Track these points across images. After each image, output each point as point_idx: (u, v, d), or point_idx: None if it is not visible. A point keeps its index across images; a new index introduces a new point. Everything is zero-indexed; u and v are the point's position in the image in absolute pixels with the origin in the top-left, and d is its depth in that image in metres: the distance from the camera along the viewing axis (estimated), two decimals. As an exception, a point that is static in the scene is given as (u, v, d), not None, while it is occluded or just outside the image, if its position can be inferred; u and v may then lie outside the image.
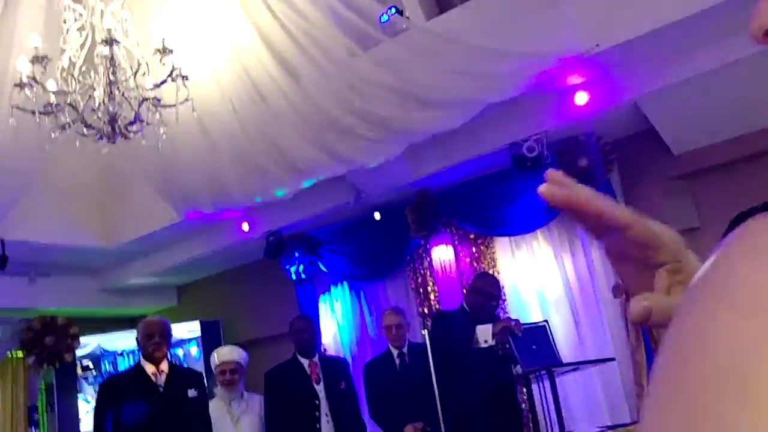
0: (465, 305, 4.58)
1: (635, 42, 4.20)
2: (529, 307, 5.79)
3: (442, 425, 4.05)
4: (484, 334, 4.13)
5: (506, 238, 6.04)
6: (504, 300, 5.81)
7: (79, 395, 7.43)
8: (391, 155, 5.16)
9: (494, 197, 5.89)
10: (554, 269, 5.79)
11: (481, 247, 6.16)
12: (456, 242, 6.27)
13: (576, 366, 4.42)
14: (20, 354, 7.13)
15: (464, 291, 5.26)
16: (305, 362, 4.61)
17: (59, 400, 7.35)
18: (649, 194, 5.48)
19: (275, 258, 6.87)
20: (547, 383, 4.00)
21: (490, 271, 5.90)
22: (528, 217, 5.70)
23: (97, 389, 7.00)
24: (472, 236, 6.19)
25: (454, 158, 5.69)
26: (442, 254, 6.31)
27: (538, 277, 5.85)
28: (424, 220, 6.10)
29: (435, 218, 6.13)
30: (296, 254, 6.83)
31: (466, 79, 4.37)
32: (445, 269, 6.26)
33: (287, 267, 6.88)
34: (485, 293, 4.47)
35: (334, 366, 4.80)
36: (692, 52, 4.38)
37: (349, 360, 6.29)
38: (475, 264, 6.13)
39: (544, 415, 4.00)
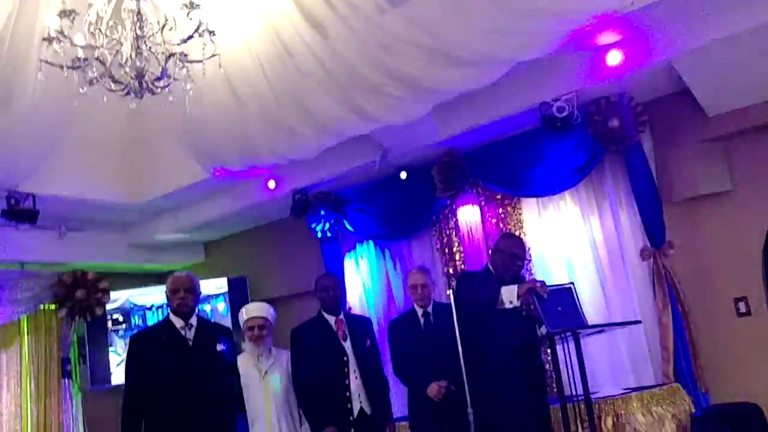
0: (490, 266, 4.56)
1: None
2: (555, 268, 5.76)
3: (466, 385, 4.07)
4: (510, 295, 4.12)
5: (533, 199, 5.99)
6: (529, 261, 5.79)
7: (110, 348, 7.59)
8: (419, 114, 5.11)
9: (522, 158, 5.82)
10: (581, 231, 5.74)
11: (508, 208, 6.12)
12: (482, 203, 6.23)
13: (601, 328, 4.40)
14: (52, 307, 7.28)
15: (489, 252, 5.23)
16: (331, 319, 4.64)
17: (91, 353, 7.52)
18: (681, 157, 5.38)
19: (301, 216, 6.89)
20: (571, 345, 3.99)
21: (516, 233, 5.87)
22: (556, 178, 5.64)
23: (127, 342, 7.19)
24: (498, 197, 6.15)
25: (482, 117, 5.63)
26: (468, 215, 6.27)
27: (565, 239, 5.81)
28: (451, 180, 6.07)
29: (462, 178, 6.09)
30: (322, 212, 6.84)
31: (496, 36, 4.28)
32: (471, 230, 6.24)
33: (313, 225, 6.90)
34: (510, 254, 4.44)
35: (359, 323, 4.83)
36: (729, 12, 4.25)
37: (374, 318, 6.33)
38: (501, 225, 6.10)
39: (568, 376, 3.99)
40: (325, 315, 4.69)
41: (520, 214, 6.07)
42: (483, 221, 6.20)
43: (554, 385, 4.39)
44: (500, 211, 6.14)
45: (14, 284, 6.93)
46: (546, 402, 4.37)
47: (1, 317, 6.83)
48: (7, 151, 5.30)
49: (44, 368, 7.19)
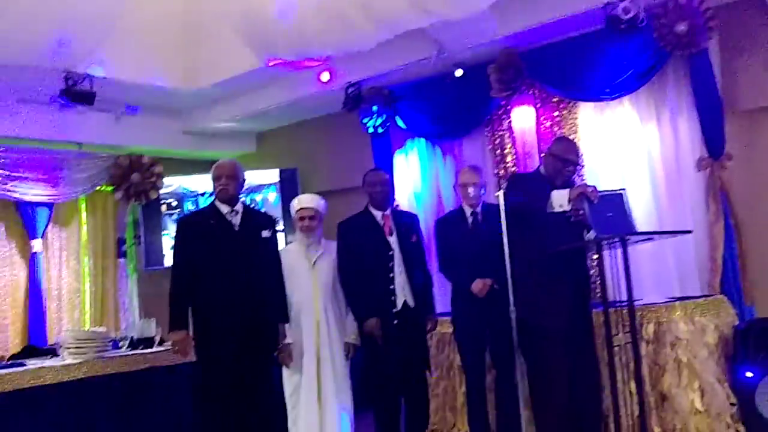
0: (541, 169, 4.50)
1: None
2: (608, 176, 5.67)
3: (510, 285, 4.11)
4: (560, 199, 4.07)
5: (590, 104, 5.84)
6: (582, 167, 5.70)
7: (164, 232, 7.83)
8: (478, 9, 4.94)
9: (583, 60, 5.64)
10: (638, 138, 5.60)
11: (564, 111, 5.98)
12: (538, 104, 6.11)
13: (651, 236, 4.36)
14: (109, 189, 7.50)
15: (542, 155, 5.15)
16: (378, 214, 4.67)
17: (146, 235, 7.78)
18: (748, 66, 5.16)
19: (353, 110, 6.85)
20: (619, 251, 3.97)
21: (571, 137, 5.75)
22: (616, 82, 5.47)
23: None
24: (555, 99, 6.01)
25: (544, 16, 5.43)
26: (523, 116, 6.17)
27: (620, 146, 5.68)
28: (507, 79, 5.93)
29: (518, 78, 5.95)
30: (374, 108, 6.79)
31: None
32: (525, 132, 6.14)
33: (365, 120, 6.87)
34: (564, 159, 4.35)
35: (405, 219, 4.86)
36: None
37: (421, 216, 6.36)
38: (556, 128, 5.99)
39: (613, 282, 4.00)
40: (372, 210, 4.72)
41: (575, 117, 5.94)
42: (537, 123, 6.09)
43: (598, 291, 4.40)
44: (556, 114, 6.01)
45: (72, 164, 7.13)
46: (589, 306, 4.39)
47: (60, 196, 7.07)
48: (64, 30, 5.32)
49: (101, 247, 7.50)
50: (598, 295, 4.27)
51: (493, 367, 4.70)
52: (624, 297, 3.96)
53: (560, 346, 4.09)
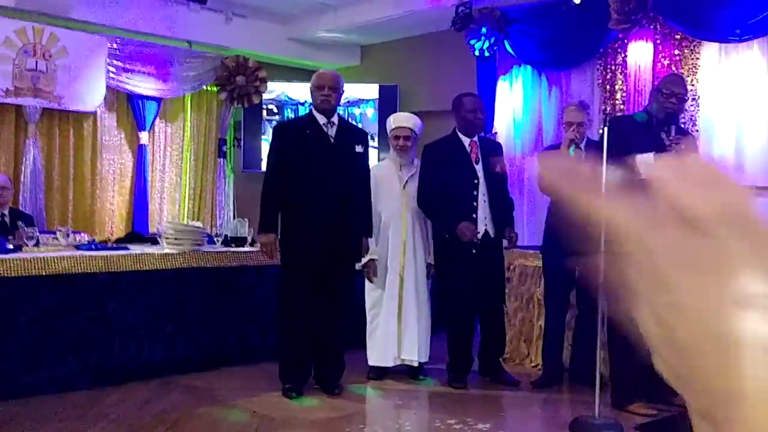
0: (647, 110, 4.27)
1: None
2: (723, 126, 5.37)
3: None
4: (645, 165, 3.87)
5: (715, 44, 5.49)
6: (687, 100, 5.39)
7: (263, 136, 7.98)
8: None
9: (713, -4, 5.28)
10: (763, 88, 5.25)
11: (685, 50, 5.65)
12: (658, 40, 5.78)
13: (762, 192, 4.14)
14: (214, 89, 7.66)
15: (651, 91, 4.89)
16: (466, 141, 4.60)
17: (245, 137, 7.96)
18: None
19: (461, 31, 6.68)
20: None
21: (689, 79, 5.45)
22: (748, 23, 5.10)
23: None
24: (677, 36, 5.67)
25: (677, -55, 5.09)
26: (640, 51, 5.86)
27: (743, 93, 5.35)
28: (629, 11, 5.61)
29: (641, 11, 5.61)
30: (483, 30, 6.60)
31: None
32: (639, 68, 5.85)
33: (472, 42, 6.69)
34: (666, 91, 4.07)
35: (491, 147, 4.76)
36: None
37: (519, 145, 6.24)
38: (674, 67, 5.67)
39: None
40: (461, 135, 4.63)
41: (697, 58, 5.60)
42: (654, 61, 5.78)
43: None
44: (676, 52, 5.69)
45: (181, 62, 7.29)
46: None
47: (169, 92, 7.28)
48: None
49: (203, 146, 7.72)
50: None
51: (575, 306, 4.66)
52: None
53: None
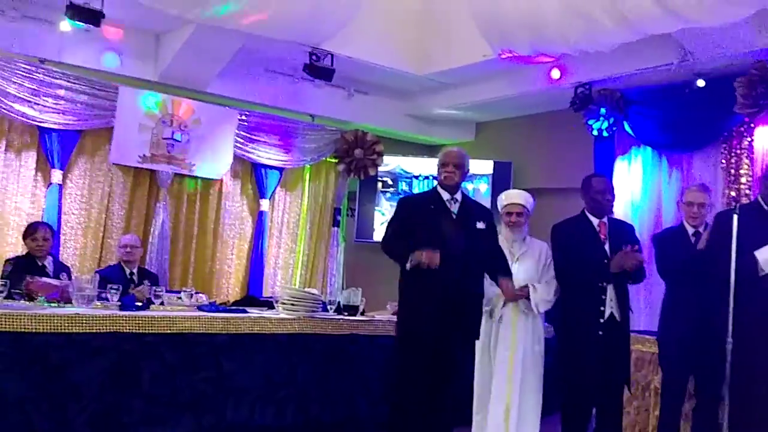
0: (758, 199, 4.08)
1: None
2: None
3: (731, 314, 3.83)
4: (767, 261, 3.68)
5: None
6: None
7: (376, 207, 8.17)
8: (736, 17, 4.60)
9: None
10: None
11: (817, 136, 5.44)
12: (788, 126, 5.60)
13: None
14: (333, 160, 7.94)
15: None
16: (595, 221, 4.54)
17: (359, 208, 8.18)
18: None
19: (579, 111, 6.70)
20: None
21: (822, 165, 5.23)
22: None
23: (392, 204, 7.64)
24: (808, 121, 5.48)
25: (810, 30, 4.97)
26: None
27: None
28: (756, 95, 5.48)
29: (770, 95, 5.48)
30: (602, 110, 6.59)
31: None
32: (767, 153, 5.66)
33: (590, 122, 6.69)
34: None
35: (622, 228, 4.67)
36: None
37: (637, 227, 6.08)
38: (805, 154, 5.47)
39: None
40: (589, 216, 4.58)
41: (831, 145, 5.38)
42: (784, 146, 5.59)
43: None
44: (807, 138, 5.48)
45: (304, 134, 7.64)
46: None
47: (290, 162, 7.61)
48: (317, 9, 5.70)
49: (318, 215, 7.98)
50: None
51: (693, 396, 4.44)
52: None
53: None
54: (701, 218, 4.46)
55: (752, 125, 5.80)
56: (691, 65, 5.75)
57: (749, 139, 5.84)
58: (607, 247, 4.47)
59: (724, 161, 6.03)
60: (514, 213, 4.69)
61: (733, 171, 5.93)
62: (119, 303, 4.38)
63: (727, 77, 5.71)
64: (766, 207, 3.89)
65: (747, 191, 5.77)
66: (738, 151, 5.93)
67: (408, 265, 4.04)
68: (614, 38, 5.14)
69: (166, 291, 5.18)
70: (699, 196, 4.47)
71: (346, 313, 5.19)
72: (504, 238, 4.71)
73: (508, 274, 4.39)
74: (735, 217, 3.80)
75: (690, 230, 4.48)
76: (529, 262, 4.69)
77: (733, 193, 5.85)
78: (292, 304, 4.88)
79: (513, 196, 4.79)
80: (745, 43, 5.30)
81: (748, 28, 5.10)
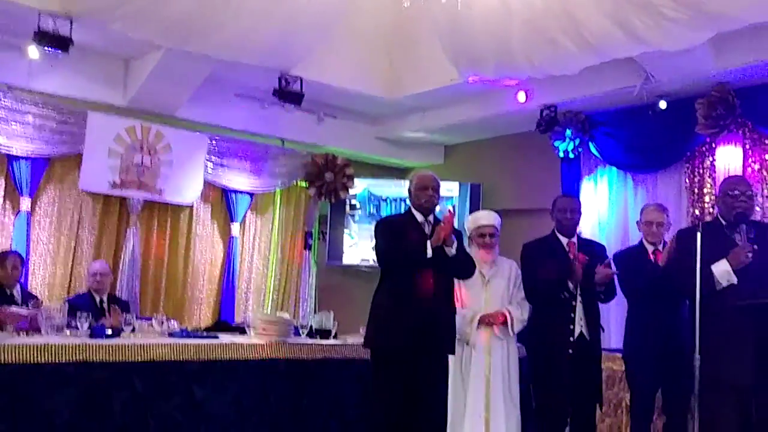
0: (717, 217, 4.20)
1: None
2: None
3: (698, 331, 3.90)
4: (723, 274, 3.80)
5: (808, 150, 5.43)
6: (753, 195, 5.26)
7: (346, 230, 8.20)
8: (696, 42, 4.75)
9: (804, 102, 5.26)
10: None
11: (776, 155, 5.61)
12: (747, 145, 5.76)
13: None
14: (303, 184, 7.96)
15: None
16: (564, 241, 4.62)
17: (330, 231, 8.19)
18: None
19: (546, 132, 6.82)
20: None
21: (782, 183, 5.41)
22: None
23: (363, 227, 7.69)
24: (767, 142, 5.63)
25: (765, 53, 5.14)
26: (729, 156, 5.83)
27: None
28: (717, 116, 5.64)
29: (729, 116, 5.63)
30: (568, 132, 6.72)
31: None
32: (729, 172, 5.79)
33: (556, 143, 6.81)
34: (731, 193, 3.97)
35: (592, 248, 4.75)
36: None
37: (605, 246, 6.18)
38: (765, 172, 5.63)
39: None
40: (559, 236, 4.66)
41: (789, 163, 5.54)
42: (744, 165, 5.74)
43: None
44: (767, 157, 5.64)
45: (274, 158, 7.65)
46: None
47: (261, 186, 7.61)
48: (287, 35, 5.74)
49: (290, 238, 7.96)
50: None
51: (663, 413, 4.51)
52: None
53: (743, 407, 3.82)
54: (660, 237, 4.58)
55: (714, 145, 5.95)
56: (653, 87, 5.89)
57: (711, 158, 5.99)
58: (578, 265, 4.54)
59: (687, 180, 6.17)
60: (488, 234, 4.76)
61: (696, 190, 6.07)
62: (89, 331, 4.34)
63: (689, 99, 5.86)
64: (724, 224, 3.99)
65: (711, 209, 5.90)
66: (701, 171, 6.08)
67: (431, 245, 4.07)
68: (578, 61, 5.25)
69: (137, 318, 5.13)
70: (657, 215, 4.61)
71: (318, 337, 5.18)
72: (475, 258, 4.74)
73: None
74: (698, 235, 3.90)
75: (650, 248, 4.59)
76: (500, 281, 4.75)
77: (697, 212, 5.99)
78: (264, 329, 4.86)
79: (486, 217, 4.86)
80: (704, 66, 5.46)
81: (707, 51, 5.26)
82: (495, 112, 7.14)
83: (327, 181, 7.79)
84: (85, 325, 4.35)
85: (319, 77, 6.67)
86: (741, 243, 3.79)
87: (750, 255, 3.73)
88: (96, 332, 4.33)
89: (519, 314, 4.66)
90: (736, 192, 3.93)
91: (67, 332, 4.32)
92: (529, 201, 7.30)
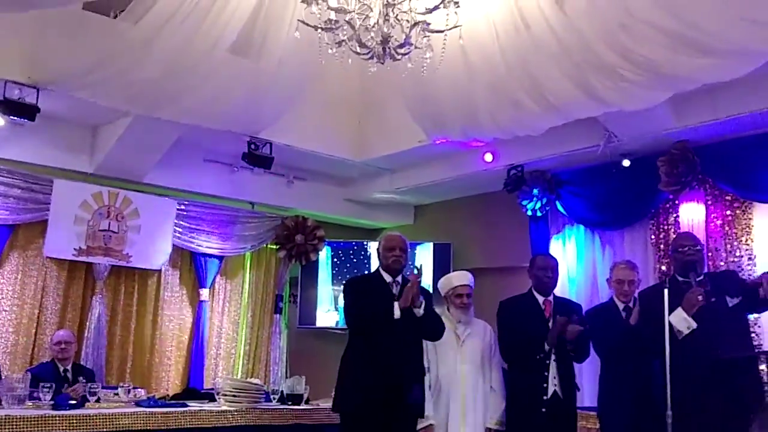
0: (673, 275, 4.34)
1: None
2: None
3: (668, 386, 3.91)
4: (680, 321, 3.92)
5: (766, 205, 5.55)
6: (753, 271, 5.39)
7: (318, 293, 8.14)
8: (655, 102, 4.89)
9: (761, 159, 5.41)
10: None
11: (737, 211, 5.72)
12: (709, 201, 5.88)
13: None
14: (273, 247, 7.93)
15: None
16: (540, 299, 4.64)
17: (301, 294, 8.13)
18: None
19: (513, 192, 6.91)
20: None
21: (743, 239, 5.54)
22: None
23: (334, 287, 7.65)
24: (728, 197, 5.77)
25: (722, 112, 5.31)
26: (692, 212, 5.94)
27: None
28: (678, 173, 5.77)
29: (690, 173, 5.77)
30: (535, 191, 6.81)
31: (755, 28, 3.97)
32: (693, 228, 5.89)
33: (524, 202, 6.89)
34: (680, 249, 4.21)
35: (568, 307, 4.75)
36: None
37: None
38: (727, 228, 5.73)
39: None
40: (536, 294, 4.68)
41: (750, 218, 5.66)
42: (707, 221, 5.84)
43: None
44: (728, 213, 5.76)
45: (244, 222, 7.63)
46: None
47: (230, 250, 7.57)
48: (256, 100, 5.80)
49: (260, 302, 7.88)
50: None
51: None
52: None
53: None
54: (631, 294, 4.63)
55: (677, 202, 6.06)
56: (616, 146, 6.03)
57: (675, 215, 6.10)
58: (551, 324, 4.55)
59: (653, 237, 6.26)
60: (465, 294, 4.75)
61: (662, 246, 6.16)
62: (52, 402, 4.22)
63: (652, 157, 6.00)
64: (680, 279, 4.15)
65: (675, 265, 5.97)
66: (666, 227, 6.17)
67: (399, 306, 4.12)
68: (542, 122, 5.36)
69: (103, 387, 5.01)
70: (628, 273, 4.66)
71: (290, 403, 5.10)
72: (448, 320, 4.73)
73: None
74: (666, 291, 3.95)
75: (620, 305, 4.63)
76: (475, 342, 4.72)
77: (663, 267, 6.05)
78: (234, 396, 4.77)
79: (463, 278, 4.85)
80: (665, 125, 5.61)
81: (667, 111, 5.41)
82: (463, 173, 7.24)
83: (297, 243, 7.78)
84: (48, 396, 4.23)
85: (288, 141, 6.74)
86: (693, 286, 3.91)
87: (701, 297, 3.87)
88: (59, 403, 4.22)
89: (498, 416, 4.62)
90: (685, 247, 4.20)
91: (30, 404, 4.20)
92: (499, 259, 7.34)
